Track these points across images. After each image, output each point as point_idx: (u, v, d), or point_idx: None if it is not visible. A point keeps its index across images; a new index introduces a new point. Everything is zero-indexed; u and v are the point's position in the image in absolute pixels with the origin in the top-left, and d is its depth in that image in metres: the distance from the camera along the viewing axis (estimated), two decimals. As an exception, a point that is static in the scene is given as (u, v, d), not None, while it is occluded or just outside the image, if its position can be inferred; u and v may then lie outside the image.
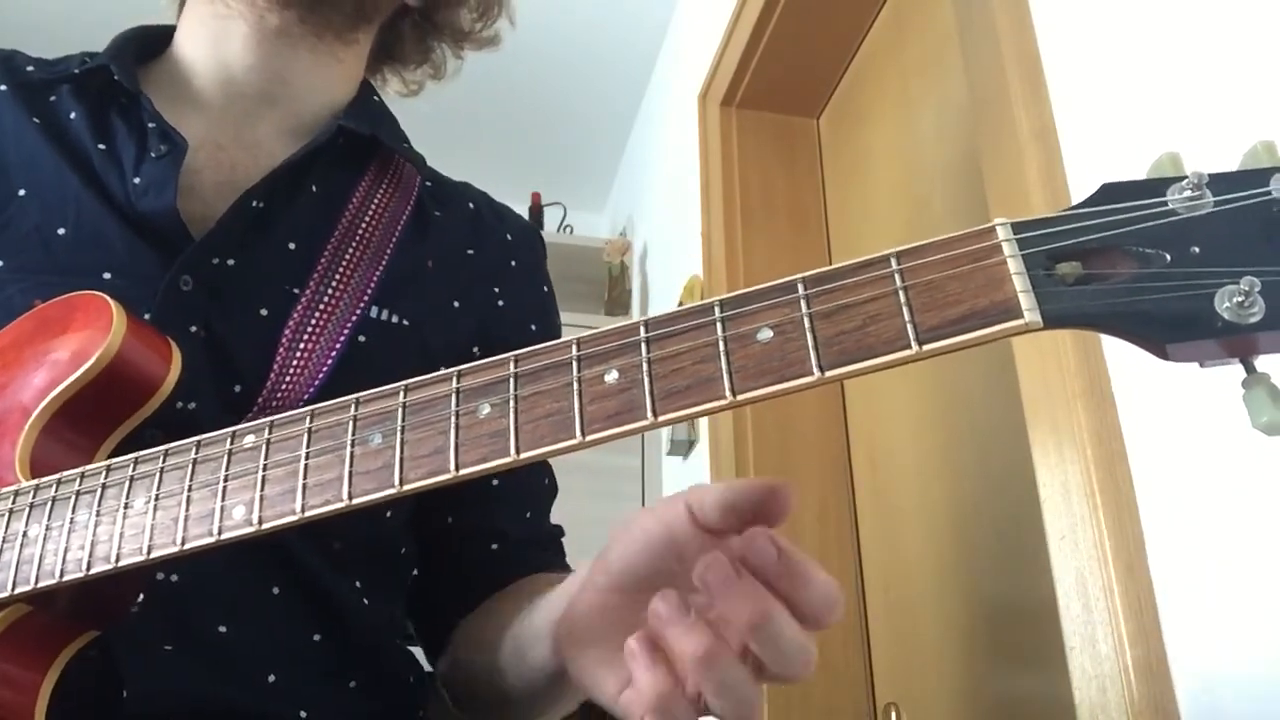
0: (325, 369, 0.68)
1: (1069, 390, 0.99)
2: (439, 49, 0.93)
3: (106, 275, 0.67)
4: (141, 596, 0.59)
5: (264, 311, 0.70)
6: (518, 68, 2.91)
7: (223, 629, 0.64)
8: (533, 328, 0.86)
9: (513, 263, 0.87)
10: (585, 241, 2.99)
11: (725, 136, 2.17)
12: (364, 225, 0.77)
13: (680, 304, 2.29)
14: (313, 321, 0.70)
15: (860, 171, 1.96)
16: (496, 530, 0.79)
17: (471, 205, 0.89)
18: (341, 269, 0.74)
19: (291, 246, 0.73)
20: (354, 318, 0.72)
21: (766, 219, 2.08)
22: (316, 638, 0.68)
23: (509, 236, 0.88)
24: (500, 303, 0.84)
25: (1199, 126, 0.90)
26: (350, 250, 0.75)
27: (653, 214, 2.84)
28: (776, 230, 2.07)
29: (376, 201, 0.79)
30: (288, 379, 0.67)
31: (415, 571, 0.81)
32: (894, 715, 1.57)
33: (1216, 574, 0.84)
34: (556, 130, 3.16)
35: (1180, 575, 0.87)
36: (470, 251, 0.84)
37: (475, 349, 0.80)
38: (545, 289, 0.90)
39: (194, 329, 0.67)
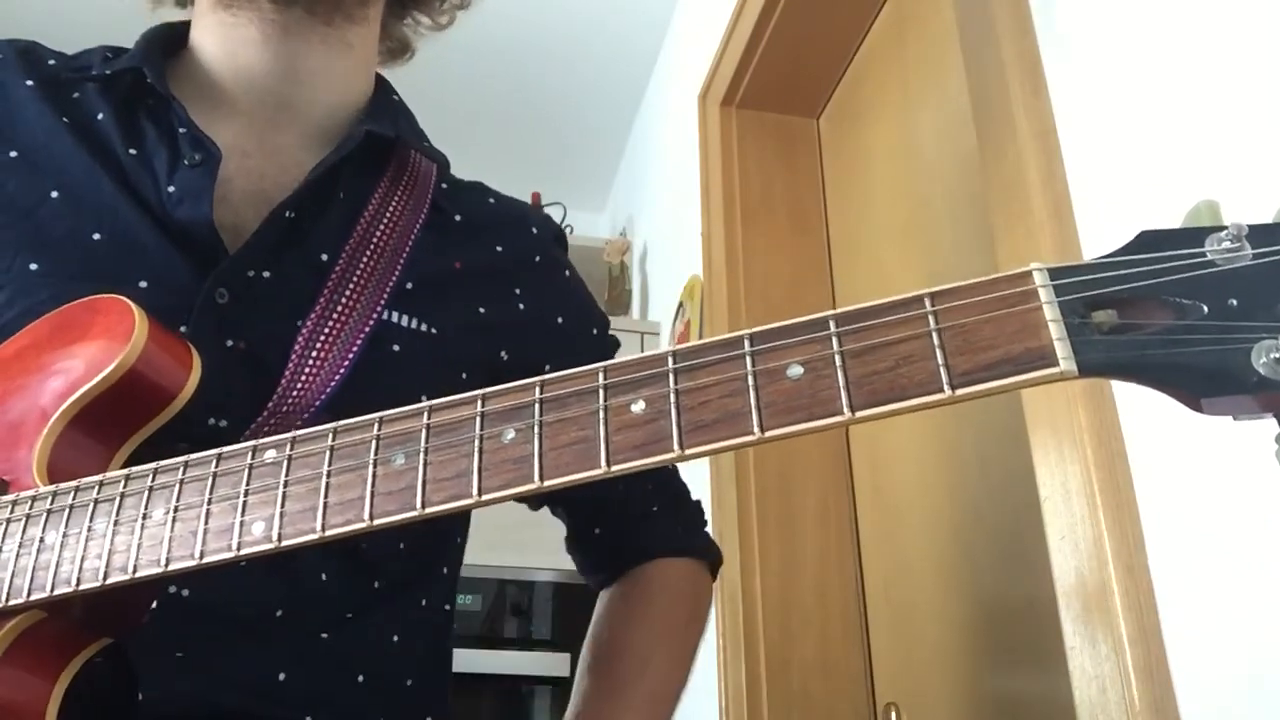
0: (339, 376, 0.68)
1: (1069, 390, 0.99)
2: None
3: (142, 284, 0.67)
4: (155, 604, 0.59)
5: (300, 323, 0.69)
6: (518, 68, 2.91)
7: (233, 636, 0.64)
8: (559, 320, 0.86)
9: (536, 258, 0.86)
10: (585, 241, 2.99)
11: (725, 136, 2.17)
12: (380, 230, 0.76)
13: (680, 304, 2.30)
14: (327, 328, 0.69)
15: (860, 171, 1.96)
16: (618, 512, 0.89)
17: (492, 200, 0.89)
18: (357, 275, 0.73)
19: (324, 257, 0.73)
20: (369, 324, 0.71)
21: (766, 219, 2.08)
22: (324, 635, 0.68)
23: (533, 230, 0.88)
24: (521, 305, 0.83)
25: (1199, 123, 0.90)
26: (366, 255, 0.74)
27: (653, 214, 2.85)
28: (776, 230, 2.07)
29: (393, 205, 0.78)
30: (299, 386, 0.67)
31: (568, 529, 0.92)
32: (894, 715, 1.57)
33: (1216, 574, 0.84)
34: (556, 130, 3.16)
35: (1180, 575, 0.88)
36: (499, 249, 0.84)
37: (503, 354, 0.80)
38: (567, 274, 0.90)
39: (230, 344, 0.67)
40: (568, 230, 3.12)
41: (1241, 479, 0.82)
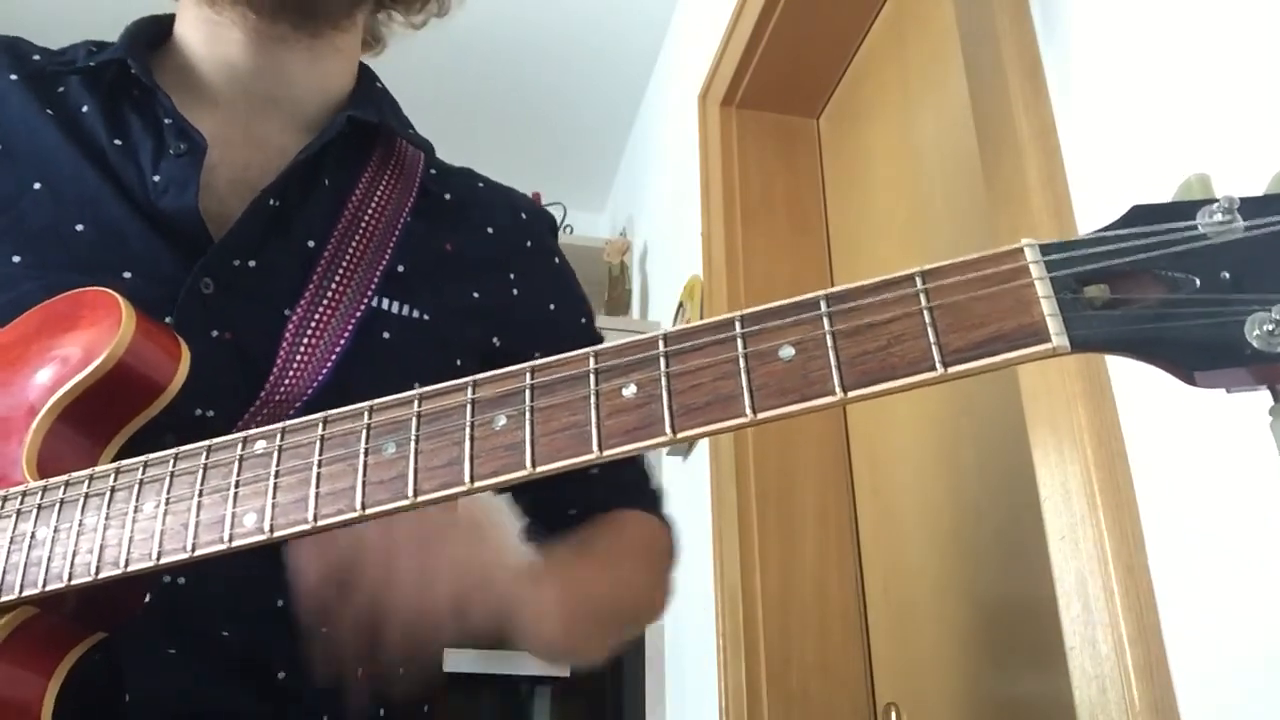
0: (329, 364, 0.68)
1: (1069, 390, 0.99)
2: None
3: (126, 275, 0.67)
4: (148, 598, 0.59)
5: (288, 311, 0.69)
6: (517, 67, 2.91)
7: (226, 633, 0.64)
8: (551, 307, 0.86)
9: (528, 243, 0.86)
10: (585, 241, 2.99)
11: (725, 136, 2.17)
12: (368, 216, 0.76)
13: (680, 304, 2.30)
14: (316, 316, 0.69)
15: (860, 171, 1.96)
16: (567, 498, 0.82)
17: (481, 185, 0.89)
18: (345, 261, 0.73)
19: (311, 244, 0.73)
20: (359, 311, 0.71)
21: (766, 219, 2.08)
22: (325, 630, 0.68)
23: (523, 215, 0.88)
24: (515, 290, 0.83)
25: (1200, 123, 0.90)
26: (354, 243, 0.74)
27: (653, 214, 2.84)
28: (776, 230, 2.07)
29: (380, 192, 0.78)
30: (290, 375, 0.66)
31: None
32: (894, 715, 1.57)
33: (1216, 574, 0.84)
34: (556, 130, 3.16)
35: (1180, 575, 0.87)
36: (490, 230, 0.84)
37: (495, 340, 0.80)
38: (558, 260, 0.90)
39: (215, 334, 0.67)
40: (567, 230, 3.13)
41: (1241, 478, 0.82)
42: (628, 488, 0.87)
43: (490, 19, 2.63)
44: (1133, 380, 0.94)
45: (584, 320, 0.91)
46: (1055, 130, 1.08)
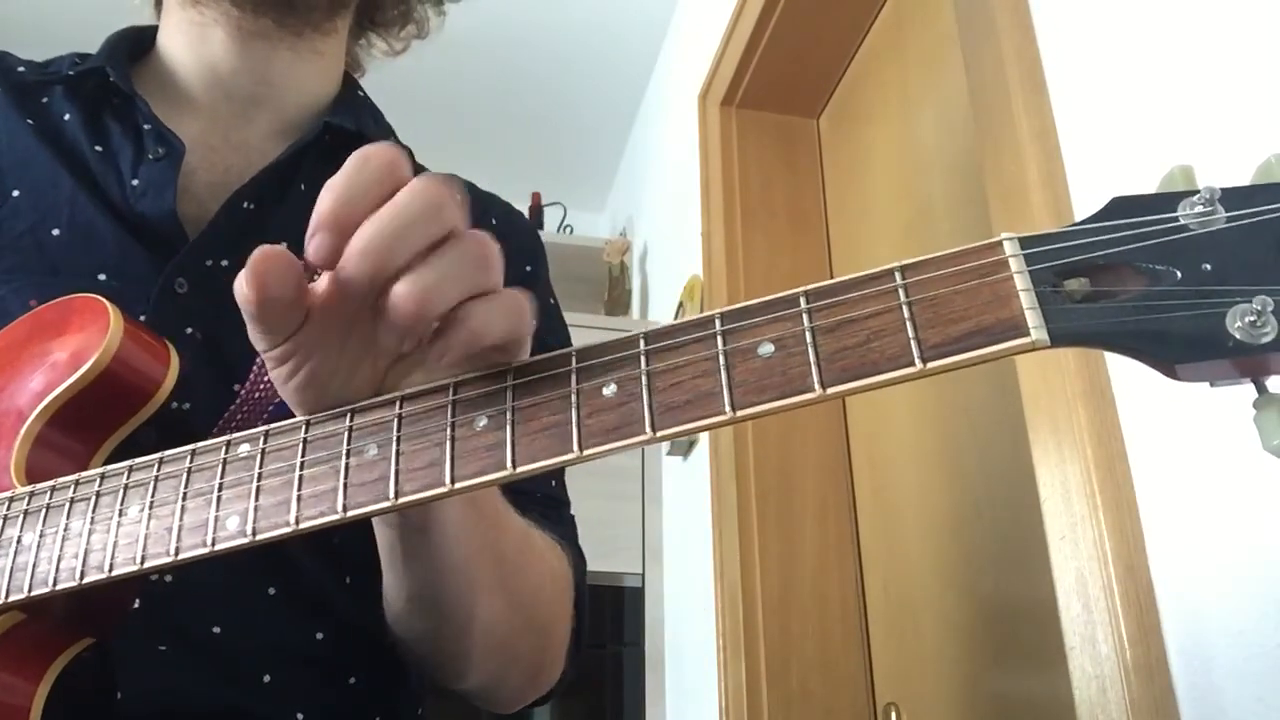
0: None
1: (1069, 390, 0.99)
2: (419, 7, 0.91)
3: (101, 276, 0.67)
4: (137, 603, 0.59)
5: None
6: (518, 67, 2.91)
7: (217, 629, 0.64)
8: None
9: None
10: (585, 241, 2.99)
11: (725, 136, 2.17)
12: None
13: (680, 304, 2.30)
14: None
15: (860, 171, 1.95)
16: None
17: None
18: None
19: (284, 246, 0.73)
20: None
21: (766, 219, 2.08)
22: (320, 635, 0.68)
23: (493, 221, 0.87)
24: None
25: (1199, 124, 0.90)
26: None
27: (653, 214, 2.84)
28: (776, 230, 2.07)
29: None
30: (268, 375, 0.67)
31: None
32: (894, 715, 1.57)
33: (1216, 574, 0.84)
34: (556, 130, 3.16)
35: (1180, 575, 0.87)
36: None
37: None
38: (529, 268, 0.88)
39: (189, 331, 0.67)
40: (567, 230, 3.13)
41: (1241, 478, 0.82)
42: (538, 500, 0.79)
43: (491, 19, 2.63)
44: (1133, 380, 0.93)
45: (553, 324, 0.90)
46: (1055, 130, 1.08)
